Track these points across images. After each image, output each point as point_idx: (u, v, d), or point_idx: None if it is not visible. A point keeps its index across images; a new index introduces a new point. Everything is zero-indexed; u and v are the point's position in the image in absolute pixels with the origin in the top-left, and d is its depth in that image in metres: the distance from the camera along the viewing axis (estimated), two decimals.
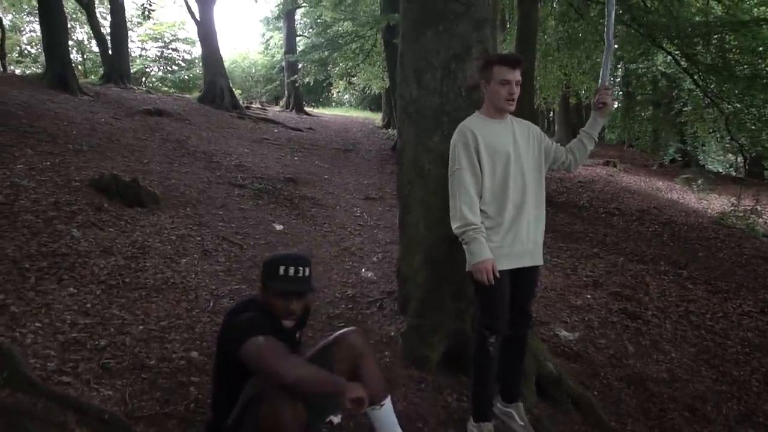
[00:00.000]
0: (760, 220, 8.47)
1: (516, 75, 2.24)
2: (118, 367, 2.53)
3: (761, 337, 4.51)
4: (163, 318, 3.06)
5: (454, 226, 2.29)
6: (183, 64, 23.51)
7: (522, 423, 2.48)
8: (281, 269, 1.90)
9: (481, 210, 2.29)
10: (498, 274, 2.21)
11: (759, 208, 8.43)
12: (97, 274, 3.33)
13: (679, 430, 3.01)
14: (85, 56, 21.30)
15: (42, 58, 12.06)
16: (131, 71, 15.22)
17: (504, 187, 2.31)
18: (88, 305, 2.99)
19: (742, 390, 3.61)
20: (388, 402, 2.14)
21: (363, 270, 4.42)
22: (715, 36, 7.37)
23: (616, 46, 9.64)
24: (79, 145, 5.98)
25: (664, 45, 7.64)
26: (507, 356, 2.45)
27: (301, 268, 1.92)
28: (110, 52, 13.43)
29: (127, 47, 14.36)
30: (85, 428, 2.05)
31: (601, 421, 2.78)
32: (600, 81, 2.54)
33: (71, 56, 12.76)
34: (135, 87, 13.27)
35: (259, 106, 17.53)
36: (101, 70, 14.19)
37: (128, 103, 9.91)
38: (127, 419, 2.15)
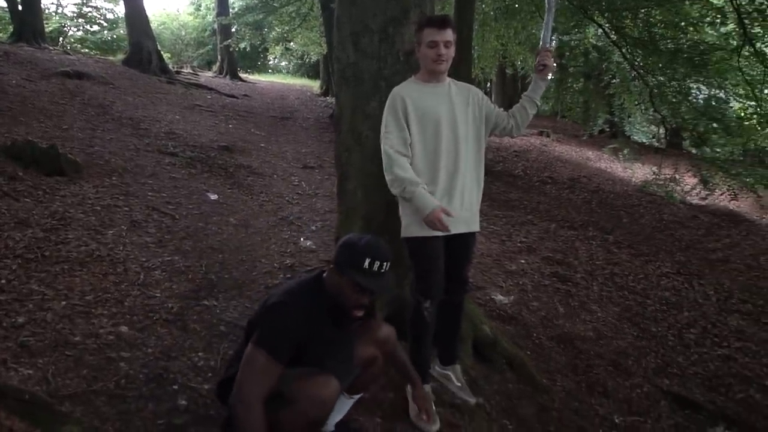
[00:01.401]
0: (678, 187, 9.06)
1: (444, 35, 2.19)
2: (39, 344, 2.38)
3: (677, 296, 4.89)
4: (88, 292, 2.89)
5: (392, 188, 2.25)
6: (105, 24, 21.80)
7: (459, 384, 2.55)
8: (367, 262, 1.74)
9: None
10: (451, 214, 2.18)
11: (677, 176, 8.98)
12: (12, 248, 3.08)
13: (604, 383, 3.22)
14: None
15: None
16: (46, 30, 13.94)
17: (436, 152, 2.27)
18: (3, 281, 2.78)
19: (660, 344, 3.91)
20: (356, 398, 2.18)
21: (302, 239, 4.36)
22: (642, 10, 7.61)
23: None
24: None
25: (595, 17, 7.84)
26: (444, 321, 2.48)
27: (385, 264, 1.78)
28: (20, 7, 12.19)
29: (40, 2, 13.06)
30: (2, 410, 1.91)
31: (533, 379, 2.92)
32: (541, 42, 2.48)
33: None
34: (51, 47, 12.18)
35: (191, 71, 16.65)
36: (11, 29, 12.86)
37: (43, 64, 9.10)
38: (50, 398, 2.03)
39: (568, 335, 3.67)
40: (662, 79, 7.72)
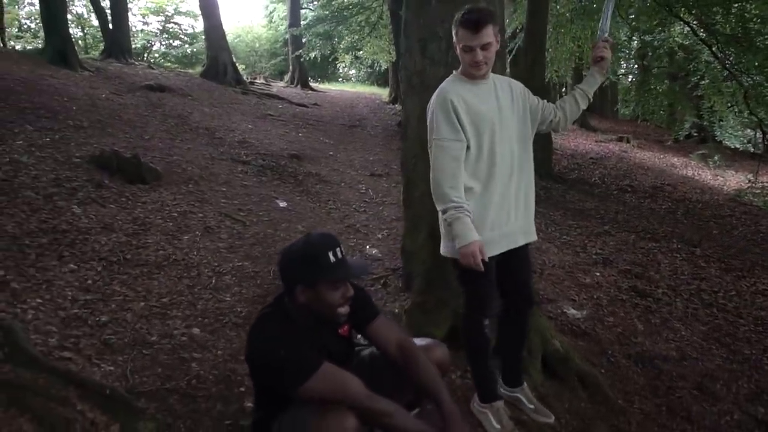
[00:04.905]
0: None
1: (480, 39, 1.93)
2: (120, 342, 2.51)
3: None
4: (164, 294, 3.04)
5: (436, 203, 2.04)
6: (186, 39, 23.17)
7: (532, 406, 2.39)
8: (330, 255, 1.63)
9: (465, 187, 2.02)
10: (486, 258, 1.96)
11: None
12: (98, 251, 3.30)
13: (688, 407, 2.96)
14: (85, 31, 20.92)
15: (42, 33, 11.88)
16: (133, 46, 15.01)
17: (491, 157, 2.05)
18: (89, 281, 2.97)
19: (753, 368, 3.55)
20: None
21: (367, 247, 4.36)
22: (735, 5, 7.08)
23: (632, 16, 9.33)
24: (80, 121, 5.92)
25: (681, 15, 7.37)
26: (507, 339, 2.34)
27: (340, 248, 1.68)
28: (110, 26, 13.22)
29: (128, 21, 14.10)
30: (86, 403, 2.02)
31: (607, 399, 2.74)
32: (599, 33, 2.30)
33: (71, 31, 12.58)
34: (136, 62, 13.10)
35: (264, 82, 17.29)
36: (102, 46, 13.97)
37: (129, 78, 9.80)
38: (128, 394, 2.13)
39: (647, 354, 3.42)
40: (759, 78, 7.13)
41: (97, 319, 2.65)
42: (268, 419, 1.70)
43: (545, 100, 2.28)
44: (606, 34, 2.27)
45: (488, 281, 2.10)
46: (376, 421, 1.61)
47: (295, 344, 1.61)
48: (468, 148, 2.03)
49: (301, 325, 1.70)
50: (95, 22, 17.60)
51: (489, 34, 1.95)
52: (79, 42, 19.19)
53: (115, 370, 2.30)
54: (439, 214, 2.07)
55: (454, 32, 2.02)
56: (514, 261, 2.18)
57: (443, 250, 2.16)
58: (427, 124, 2.10)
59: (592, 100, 2.32)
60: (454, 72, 2.15)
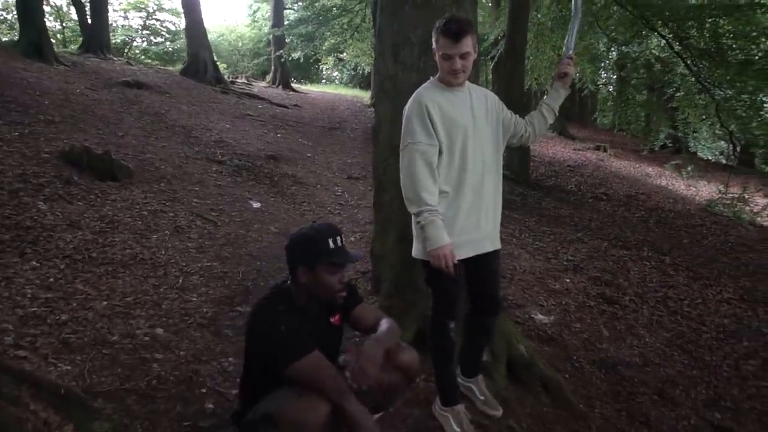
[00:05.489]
0: (747, 208, 8.49)
1: (460, 48, 1.97)
2: (79, 342, 2.47)
3: (737, 324, 4.54)
4: (128, 294, 3.00)
5: (409, 206, 2.06)
6: (167, 36, 22.88)
7: (483, 397, 2.44)
8: (330, 242, 1.77)
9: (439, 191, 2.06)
10: (456, 261, 2.01)
11: (746, 196, 8.42)
12: (62, 249, 3.25)
13: (647, 413, 3.01)
14: (64, 24, 20.53)
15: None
16: (112, 41, 14.77)
17: (462, 165, 2.09)
18: (51, 279, 2.92)
19: (713, 375, 3.63)
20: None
21: None
22: (709, 20, 7.23)
23: (611, 28, 9.49)
24: (51, 116, 5.81)
25: (657, 28, 7.52)
26: (471, 338, 2.39)
27: (341, 237, 1.83)
28: (89, 20, 12.99)
29: (107, 15, 13.85)
30: (39, 403, 1.98)
31: (569, 404, 2.77)
32: (564, 50, 2.37)
33: (50, 24, 12.30)
34: (115, 58, 12.89)
35: (245, 81, 17.18)
36: (81, 40, 13.71)
37: (107, 74, 9.65)
38: (84, 394, 2.10)
39: (611, 360, 3.47)
40: (730, 92, 7.28)
41: (57, 317, 2.61)
42: (252, 405, 1.78)
43: (518, 115, 2.35)
44: (571, 51, 2.34)
45: (456, 285, 2.13)
46: (346, 421, 1.66)
47: (295, 325, 1.72)
48: (440, 153, 2.06)
49: (301, 309, 1.81)
50: (74, 16, 17.26)
51: (468, 44, 2.00)
52: (57, 35, 18.82)
53: (72, 369, 2.27)
54: (412, 217, 2.09)
55: (434, 39, 2.05)
56: (484, 270, 2.22)
57: (415, 252, 2.19)
58: (402, 128, 2.12)
59: (558, 114, 2.38)
60: (431, 78, 2.18)
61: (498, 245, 2.27)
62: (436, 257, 2.00)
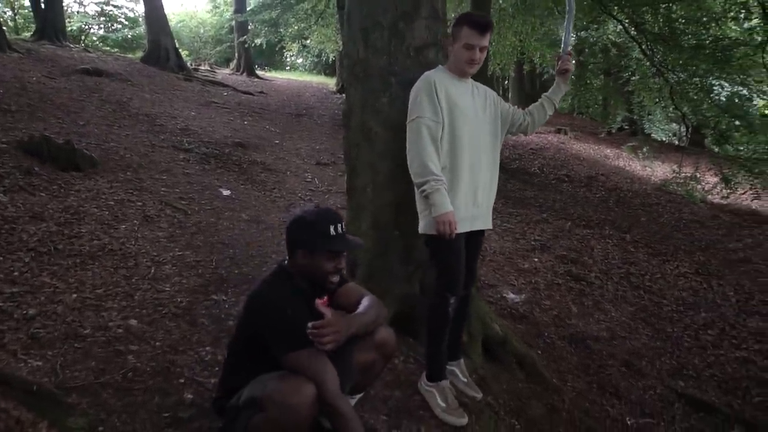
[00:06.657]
0: (699, 186, 8.86)
1: (483, 40, 2.18)
2: (49, 336, 2.41)
3: (695, 297, 4.78)
4: (99, 286, 2.93)
5: (414, 176, 2.21)
6: (126, 23, 22.08)
7: (465, 380, 2.53)
8: (331, 228, 1.79)
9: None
10: (457, 229, 2.16)
11: (698, 175, 8.78)
12: (25, 241, 3.13)
13: (616, 384, 3.16)
14: (16, 12, 19.61)
15: None
16: (68, 29, 14.15)
17: (461, 146, 2.24)
18: (16, 273, 2.82)
19: (675, 345, 3.82)
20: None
21: None
22: (663, 5, 7.46)
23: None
24: (7, 104, 5.55)
25: (614, 13, 7.69)
26: (453, 317, 2.45)
27: (342, 224, 1.84)
28: (42, 6, 12.40)
29: (62, 1, 13.26)
30: (10, 401, 1.93)
31: (543, 379, 2.88)
32: (562, 47, 2.51)
33: (0, 10, 11.68)
34: (72, 45, 12.37)
35: (208, 68, 16.76)
36: (34, 27, 13.07)
37: (64, 61, 9.25)
38: (57, 390, 2.06)
39: (580, 335, 3.61)
40: (683, 75, 7.54)
41: (24, 312, 2.53)
42: (236, 390, 1.78)
43: (516, 107, 2.53)
44: (569, 48, 2.50)
45: (459, 260, 2.27)
46: (333, 418, 1.70)
47: (302, 313, 1.74)
48: (443, 132, 2.22)
49: (303, 291, 1.83)
50: (27, 2, 16.43)
51: (488, 39, 2.21)
52: (9, 22, 17.90)
53: (43, 365, 2.21)
54: (416, 189, 2.24)
55: (455, 29, 2.22)
56: (471, 246, 2.37)
57: (421, 228, 2.31)
58: (409, 104, 2.27)
59: (557, 107, 2.56)
60: (439, 66, 2.35)
61: (489, 225, 2.44)
62: (441, 223, 2.13)
